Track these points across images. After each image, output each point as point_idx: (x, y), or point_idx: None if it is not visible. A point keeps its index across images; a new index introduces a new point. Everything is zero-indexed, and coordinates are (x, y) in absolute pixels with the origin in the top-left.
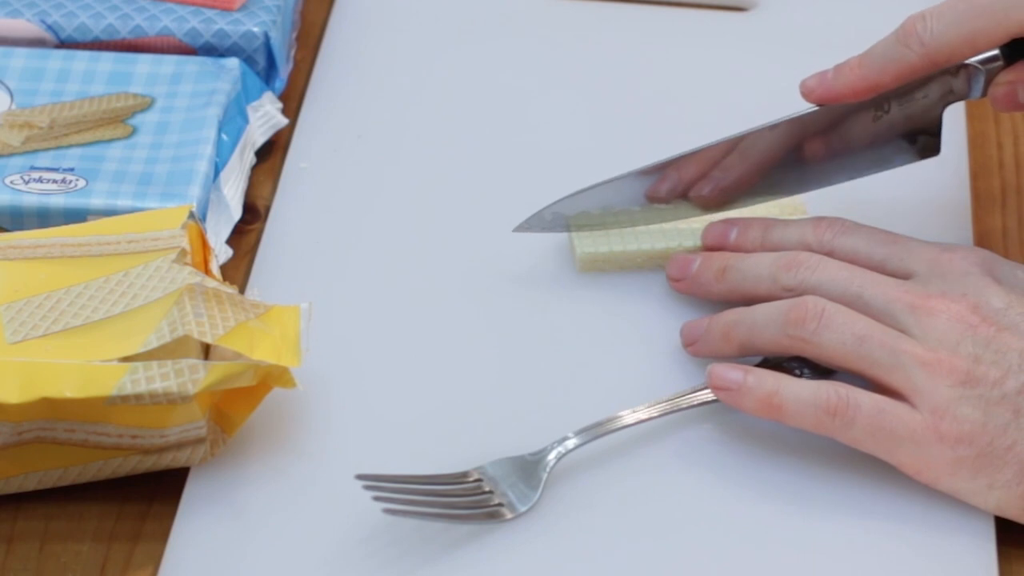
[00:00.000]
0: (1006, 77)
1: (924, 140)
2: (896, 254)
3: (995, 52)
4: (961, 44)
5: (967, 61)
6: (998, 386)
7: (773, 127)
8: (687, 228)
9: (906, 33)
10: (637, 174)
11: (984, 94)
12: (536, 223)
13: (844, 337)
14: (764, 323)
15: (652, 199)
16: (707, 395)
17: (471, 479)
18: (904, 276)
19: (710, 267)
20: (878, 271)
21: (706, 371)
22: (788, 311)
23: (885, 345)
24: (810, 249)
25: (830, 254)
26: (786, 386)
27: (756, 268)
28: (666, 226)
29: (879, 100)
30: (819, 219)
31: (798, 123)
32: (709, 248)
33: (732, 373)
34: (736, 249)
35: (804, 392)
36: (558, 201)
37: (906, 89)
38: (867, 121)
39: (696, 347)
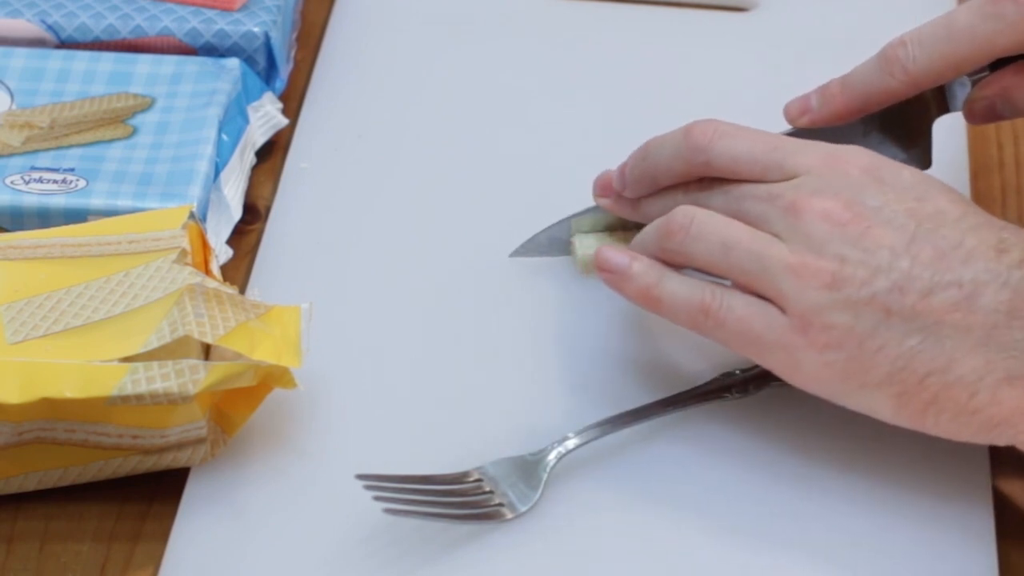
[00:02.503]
0: (983, 92)
1: (915, 151)
2: (777, 162)
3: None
4: (945, 69)
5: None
6: (866, 286)
7: None
8: None
9: (888, 60)
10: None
11: None
12: (532, 248)
13: (712, 247)
14: (648, 240)
15: None
16: (708, 395)
17: (471, 479)
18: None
19: (623, 208)
20: (759, 181)
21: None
22: (661, 225)
23: (751, 252)
24: (687, 164)
25: (707, 164)
26: (668, 280)
27: (651, 212)
28: None
29: (865, 118)
30: (690, 128)
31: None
32: (604, 192)
33: (619, 257)
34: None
35: (682, 289)
36: (553, 225)
37: (892, 108)
38: (856, 136)
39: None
